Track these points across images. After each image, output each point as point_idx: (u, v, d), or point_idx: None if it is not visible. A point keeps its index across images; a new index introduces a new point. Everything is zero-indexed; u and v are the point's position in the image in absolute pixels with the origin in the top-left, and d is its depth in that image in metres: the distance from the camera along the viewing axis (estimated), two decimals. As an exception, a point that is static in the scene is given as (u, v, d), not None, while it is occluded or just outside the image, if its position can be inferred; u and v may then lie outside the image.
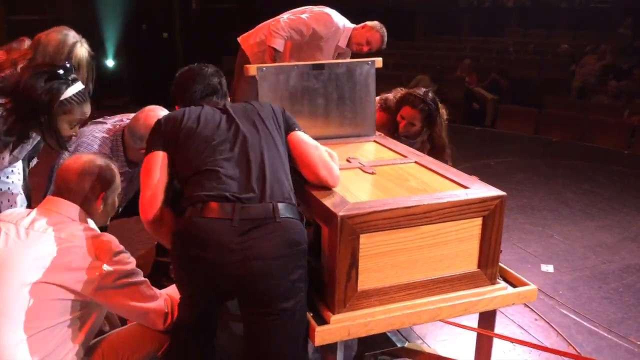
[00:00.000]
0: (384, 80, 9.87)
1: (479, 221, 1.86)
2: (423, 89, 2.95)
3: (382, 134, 2.62)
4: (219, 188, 1.70)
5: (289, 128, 1.94)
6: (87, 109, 2.11)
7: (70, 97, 2.02)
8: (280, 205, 1.69)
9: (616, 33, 12.18)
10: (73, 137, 2.18)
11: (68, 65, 2.08)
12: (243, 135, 1.82)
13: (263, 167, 1.76)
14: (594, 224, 4.20)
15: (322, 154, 1.91)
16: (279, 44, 3.73)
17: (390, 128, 2.90)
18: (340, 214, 1.68)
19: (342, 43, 3.87)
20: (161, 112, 2.33)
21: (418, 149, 2.63)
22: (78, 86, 2.05)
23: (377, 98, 2.87)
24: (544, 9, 13.85)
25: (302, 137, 1.94)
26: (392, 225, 1.76)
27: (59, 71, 2.01)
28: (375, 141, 2.50)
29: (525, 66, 10.73)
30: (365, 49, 3.85)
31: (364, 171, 2.11)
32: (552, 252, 3.72)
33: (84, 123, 2.35)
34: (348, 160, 2.21)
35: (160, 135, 1.87)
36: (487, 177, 4.93)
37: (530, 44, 11.87)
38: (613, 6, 14.21)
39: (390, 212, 1.74)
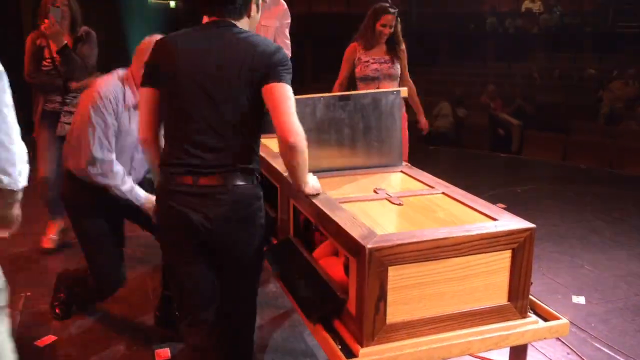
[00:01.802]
0: (408, 105, 9.83)
1: (508, 254, 1.84)
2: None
3: (408, 164, 2.61)
4: None
5: None
6: None
7: None
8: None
9: (644, 57, 12.04)
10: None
11: None
12: None
13: None
14: (624, 253, 4.12)
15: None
16: None
17: (369, 43, 4.02)
18: (369, 246, 1.69)
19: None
20: None
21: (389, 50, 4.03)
22: None
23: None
24: (570, 33, 13.78)
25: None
26: (421, 257, 1.75)
27: None
28: (402, 171, 2.50)
29: (551, 91, 10.65)
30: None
31: (391, 202, 2.11)
32: (582, 282, 3.65)
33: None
34: (375, 191, 2.22)
35: None
36: (514, 205, 4.97)
37: (556, 69, 11.80)
38: (640, 30, 14.07)
39: (418, 244, 1.74)
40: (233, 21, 1.96)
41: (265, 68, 1.86)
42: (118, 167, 2.65)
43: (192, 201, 1.88)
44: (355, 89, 4.21)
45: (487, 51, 13.88)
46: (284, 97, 1.86)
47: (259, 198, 1.98)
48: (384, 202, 2.12)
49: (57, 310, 3.09)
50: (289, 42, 3.98)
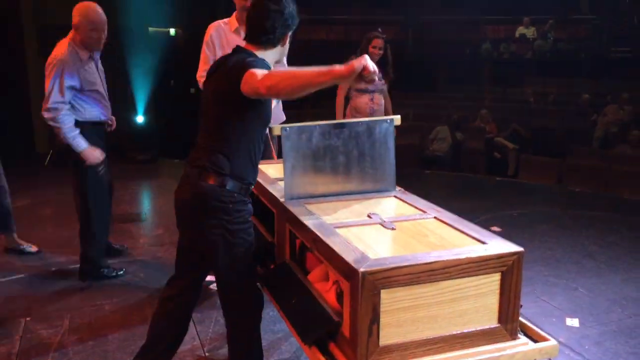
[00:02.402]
0: (405, 129, 9.93)
1: (497, 276, 1.89)
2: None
3: (402, 189, 2.67)
4: None
5: None
6: None
7: None
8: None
9: (638, 82, 12.20)
10: None
11: None
12: None
13: None
14: (619, 277, 4.16)
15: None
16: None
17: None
18: (362, 269, 1.74)
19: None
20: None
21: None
22: None
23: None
24: (564, 58, 13.97)
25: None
26: (413, 280, 1.80)
27: None
28: (395, 196, 2.56)
29: (546, 116, 10.79)
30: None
31: (384, 227, 2.16)
32: (577, 306, 3.69)
33: None
34: (369, 216, 2.28)
35: None
36: (509, 228, 5.03)
37: (550, 93, 11.96)
38: (634, 55, 14.28)
39: (410, 267, 1.79)
40: (262, 49, 2.26)
41: (238, 71, 2.11)
42: (66, 118, 3.59)
43: (180, 184, 2.32)
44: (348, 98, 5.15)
45: (482, 76, 14.06)
46: (252, 71, 2.08)
47: (221, 201, 2.20)
48: (377, 227, 2.17)
49: None
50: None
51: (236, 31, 3.91)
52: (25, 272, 4.11)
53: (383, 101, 5.18)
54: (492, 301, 1.90)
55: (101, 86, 3.88)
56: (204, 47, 3.96)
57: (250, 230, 2.31)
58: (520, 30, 14.61)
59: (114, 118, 4.06)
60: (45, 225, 5.14)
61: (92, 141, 3.74)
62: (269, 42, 2.25)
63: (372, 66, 1.98)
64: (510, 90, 12.69)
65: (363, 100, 5.07)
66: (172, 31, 11.78)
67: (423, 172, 8.17)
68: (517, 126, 9.57)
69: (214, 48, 3.93)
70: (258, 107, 2.19)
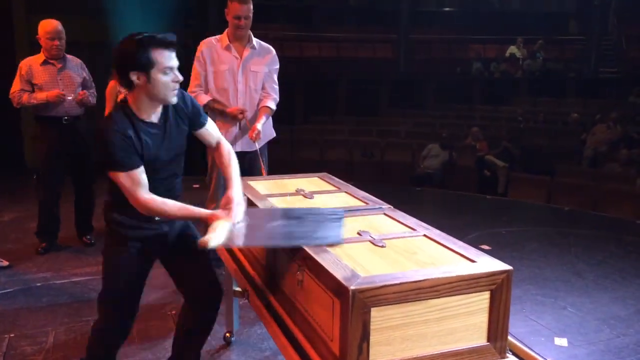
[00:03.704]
0: (397, 147, 9.98)
1: (486, 295, 1.89)
2: None
3: (391, 207, 2.68)
4: None
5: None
6: None
7: None
8: None
9: (626, 102, 12.38)
10: None
11: None
12: None
13: None
14: (607, 296, 4.18)
15: None
16: (203, 99, 3.91)
17: None
18: (352, 287, 1.73)
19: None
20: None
21: None
22: None
23: None
24: (553, 78, 14.16)
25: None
26: (402, 298, 1.80)
27: None
28: (385, 214, 2.56)
29: (535, 134, 10.90)
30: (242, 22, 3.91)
31: (374, 244, 2.17)
32: (565, 325, 3.69)
33: None
34: (359, 234, 2.28)
35: None
36: (498, 247, 5.04)
37: (540, 112, 12.09)
38: (622, 76, 14.49)
39: (400, 285, 1.79)
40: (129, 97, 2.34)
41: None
42: (22, 99, 4.49)
43: None
44: None
45: (473, 95, 14.20)
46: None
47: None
48: (367, 244, 2.17)
49: None
50: (277, 87, 4.10)
51: (227, 48, 3.94)
52: (9, 287, 4.06)
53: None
54: (482, 319, 1.90)
55: (52, 84, 4.48)
56: (195, 62, 3.98)
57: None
58: (511, 49, 14.80)
59: (83, 92, 4.61)
60: (31, 239, 5.06)
61: (50, 134, 4.56)
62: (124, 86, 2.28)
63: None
64: (501, 109, 12.82)
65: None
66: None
67: (414, 190, 8.19)
68: (507, 144, 9.63)
69: (205, 64, 3.95)
70: None
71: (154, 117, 2.31)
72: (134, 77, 2.19)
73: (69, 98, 4.52)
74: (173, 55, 2.24)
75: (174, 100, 2.30)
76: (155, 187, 2.28)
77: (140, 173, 2.22)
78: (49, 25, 4.46)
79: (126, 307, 2.51)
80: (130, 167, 2.20)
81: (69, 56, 4.63)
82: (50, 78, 4.49)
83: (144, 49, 2.16)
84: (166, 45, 2.21)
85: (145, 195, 2.23)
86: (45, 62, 4.50)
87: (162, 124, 2.34)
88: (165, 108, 2.35)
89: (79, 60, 4.73)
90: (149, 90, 2.21)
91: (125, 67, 2.19)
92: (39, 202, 4.74)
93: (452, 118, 12.31)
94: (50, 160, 4.60)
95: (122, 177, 2.20)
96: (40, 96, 4.42)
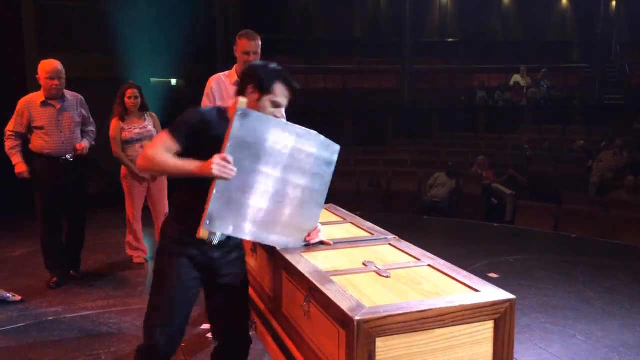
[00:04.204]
0: (403, 177, 10.00)
1: (490, 324, 1.92)
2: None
3: (397, 237, 2.72)
4: None
5: None
6: None
7: None
8: None
9: (631, 128, 12.42)
10: None
11: None
12: None
13: None
14: (616, 323, 4.16)
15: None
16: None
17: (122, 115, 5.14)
18: (357, 318, 1.77)
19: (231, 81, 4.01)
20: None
21: None
22: None
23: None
24: (558, 106, 14.25)
25: None
26: (407, 329, 1.83)
27: None
28: (390, 244, 2.61)
29: (541, 162, 10.91)
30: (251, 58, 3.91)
31: (379, 275, 2.20)
32: (575, 353, 3.68)
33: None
34: (364, 264, 2.32)
35: None
36: (506, 275, 5.05)
37: (545, 140, 12.12)
38: (626, 102, 14.56)
39: (404, 316, 1.82)
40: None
41: None
42: (8, 142, 4.64)
43: None
44: None
45: (477, 123, 14.28)
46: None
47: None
48: (372, 275, 2.21)
49: None
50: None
51: (236, 83, 4.02)
52: (21, 321, 4.10)
53: None
54: (486, 349, 1.93)
55: (52, 125, 4.59)
56: (204, 98, 4.07)
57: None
58: (515, 78, 14.93)
59: (81, 146, 4.68)
60: (42, 273, 5.12)
61: (40, 169, 4.63)
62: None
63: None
64: (506, 137, 12.87)
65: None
66: (173, 81, 12.04)
67: (421, 218, 8.21)
68: (513, 172, 9.65)
69: (214, 99, 4.04)
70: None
71: None
72: (250, 89, 2.37)
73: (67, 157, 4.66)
74: (287, 97, 2.42)
75: None
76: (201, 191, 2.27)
77: (176, 149, 2.29)
78: (49, 66, 4.54)
79: (171, 323, 2.43)
80: (178, 139, 2.29)
81: (68, 93, 4.70)
82: (50, 120, 4.58)
83: (274, 77, 2.37)
84: (290, 86, 2.41)
85: (161, 152, 2.28)
86: (44, 104, 4.58)
87: None
88: None
89: (78, 97, 4.78)
90: (252, 107, 2.34)
91: (250, 80, 2.39)
92: (40, 237, 4.78)
93: (458, 147, 12.37)
94: (48, 195, 4.65)
95: (165, 136, 2.31)
96: (15, 160, 4.59)
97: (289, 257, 2.37)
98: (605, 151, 10.28)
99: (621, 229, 7.16)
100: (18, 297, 4.47)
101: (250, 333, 2.67)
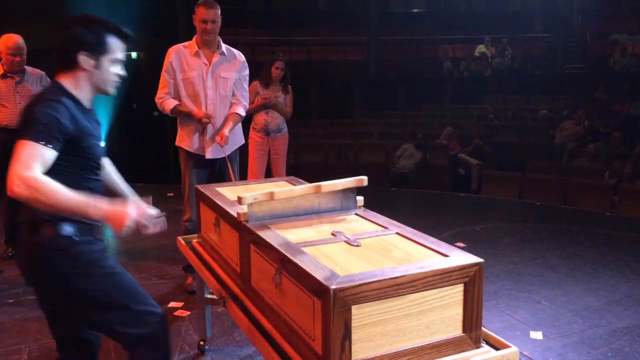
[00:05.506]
0: (371, 148, 10.05)
1: (460, 287, 1.95)
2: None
3: (363, 207, 2.73)
4: None
5: None
6: None
7: None
8: None
9: (592, 97, 12.67)
10: None
11: None
12: None
13: None
14: (580, 288, 4.28)
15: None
16: (170, 103, 3.90)
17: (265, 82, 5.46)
18: (333, 287, 1.77)
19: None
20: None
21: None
22: None
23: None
24: (521, 76, 14.42)
25: None
26: (381, 295, 1.84)
27: None
28: (356, 214, 2.61)
29: (506, 131, 11.08)
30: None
31: (349, 244, 2.20)
32: (540, 318, 3.77)
33: None
34: (333, 234, 2.31)
35: None
36: (473, 244, 5.13)
37: (509, 110, 12.29)
38: (587, 72, 14.81)
39: (378, 283, 1.83)
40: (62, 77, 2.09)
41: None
42: None
43: None
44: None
45: (444, 94, 14.37)
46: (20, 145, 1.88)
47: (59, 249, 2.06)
48: (342, 244, 2.21)
49: None
50: (247, 94, 4.11)
51: (196, 54, 3.94)
52: None
53: (277, 115, 5.49)
54: (457, 311, 1.96)
55: (9, 96, 4.59)
56: (163, 71, 3.97)
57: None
58: (480, 48, 15.01)
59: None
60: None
61: None
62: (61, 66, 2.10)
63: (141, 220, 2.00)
64: (472, 107, 13.00)
65: (260, 115, 5.47)
66: (134, 54, 11.74)
67: (389, 190, 8.27)
68: (479, 142, 9.78)
69: (174, 72, 3.94)
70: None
71: (89, 106, 2.17)
72: (82, 58, 2.04)
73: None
74: (123, 49, 2.16)
75: (112, 93, 2.21)
76: (92, 188, 2.10)
77: (53, 155, 1.92)
78: (9, 41, 4.54)
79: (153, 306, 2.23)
80: (47, 141, 1.89)
81: (29, 69, 4.70)
82: (7, 91, 4.60)
83: (103, 33, 2.07)
84: (124, 37, 2.14)
85: (40, 173, 1.86)
86: (4, 76, 4.61)
87: (94, 117, 2.20)
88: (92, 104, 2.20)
89: (40, 72, 4.78)
90: (93, 76, 2.09)
91: (76, 46, 2.04)
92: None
93: (424, 118, 12.45)
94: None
95: (30, 147, 1.86)
96: None
97: (257, 230, 2.35)
98: (567, 120, 10.48)
99: (583, 196, 7.35)
100: None
101: (221, 309, 2.59)
